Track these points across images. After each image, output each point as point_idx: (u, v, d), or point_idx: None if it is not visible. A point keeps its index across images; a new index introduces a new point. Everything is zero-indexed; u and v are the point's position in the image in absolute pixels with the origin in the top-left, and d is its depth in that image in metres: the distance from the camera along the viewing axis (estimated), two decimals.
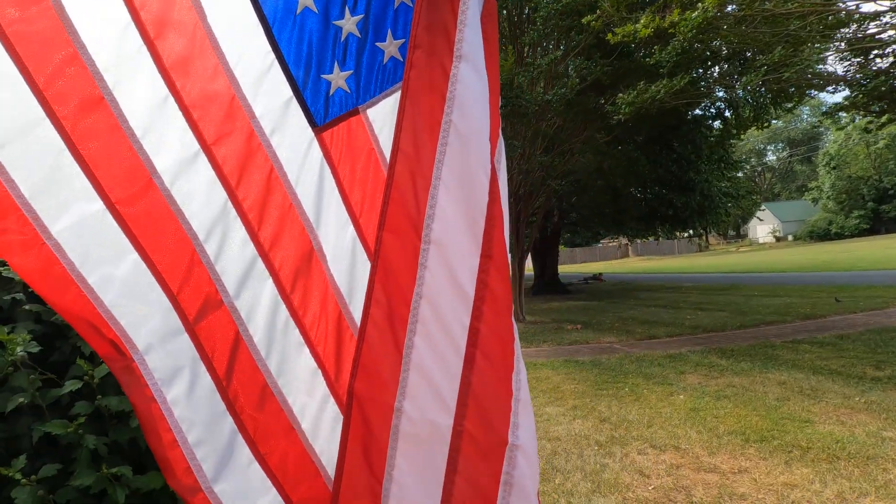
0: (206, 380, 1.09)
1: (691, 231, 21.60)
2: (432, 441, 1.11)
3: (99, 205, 1.01)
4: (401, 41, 1.27)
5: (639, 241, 38.29)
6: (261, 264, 1.17)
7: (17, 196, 0.93)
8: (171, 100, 1.08)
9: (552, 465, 4.45)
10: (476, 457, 1.12)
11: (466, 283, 1.12)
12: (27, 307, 1.74)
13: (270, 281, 1.18)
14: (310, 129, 1.23)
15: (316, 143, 1.23)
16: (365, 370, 1.08)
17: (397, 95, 1.20)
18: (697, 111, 15.48)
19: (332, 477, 1.17)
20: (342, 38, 1.22)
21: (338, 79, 1.24)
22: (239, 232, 1.15)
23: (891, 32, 8.44)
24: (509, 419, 1.14)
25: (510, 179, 12.31)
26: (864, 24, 8.56)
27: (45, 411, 1.62)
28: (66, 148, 0.98)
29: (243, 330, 1.15)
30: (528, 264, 21.18)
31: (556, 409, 6.10)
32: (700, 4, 7.18)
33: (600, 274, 28.32)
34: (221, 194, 1.13)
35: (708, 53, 10.56)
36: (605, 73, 10.73)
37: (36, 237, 0.95)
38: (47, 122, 0.96)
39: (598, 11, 8.83)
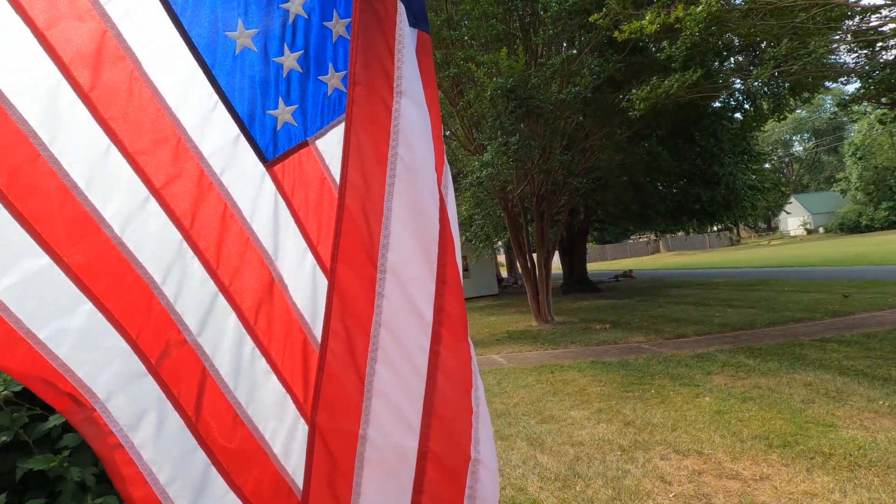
0: (174, 418, 1.10)
1: (720, 225, 21.14)
2: (398, 465, 1.15)
3: (45, 259, 1.01)
4: (342, 73, 1.31)
5: (668, 236, 37.52)
6: (222, 300, 1.20)
7: None
8: (114, 148, 1.10)
9: (574, 470, 4.48)
10: (441, 475, 1.16)
11: (424, 309, 1.17)
12: None
13: (233, 315, 1.21)
14: (261, 164, 1.25)
15: (268, 178, 1.26)
16: (326, 401, 1.12)
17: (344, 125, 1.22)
18: (717, 104, 15.15)
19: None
20: (284, 74, 1.25)
21: (284, 113, 1.26)
22: (197, 271, 1.17)
23: (892, 25, 8.21)
24: (471, 435, 1.19)
25: (531, 179, 12.30)
26: (865, 16, 8.35)
27: (33, 447, 1.65)
28: (2, 207, 0.99)
29: (209, 365, 1.17)
30: (556, 263, 21.14)
31: (580, 412, 6.09)
32: None
33: (630, 271, 27.90)
34: (176, 235, 1.15)
35: (721, 45, 10.36)
36: (619, 70, 10.61)
37: None
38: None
39: (604, 9, 8.79)
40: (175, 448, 1.09)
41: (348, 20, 1.28)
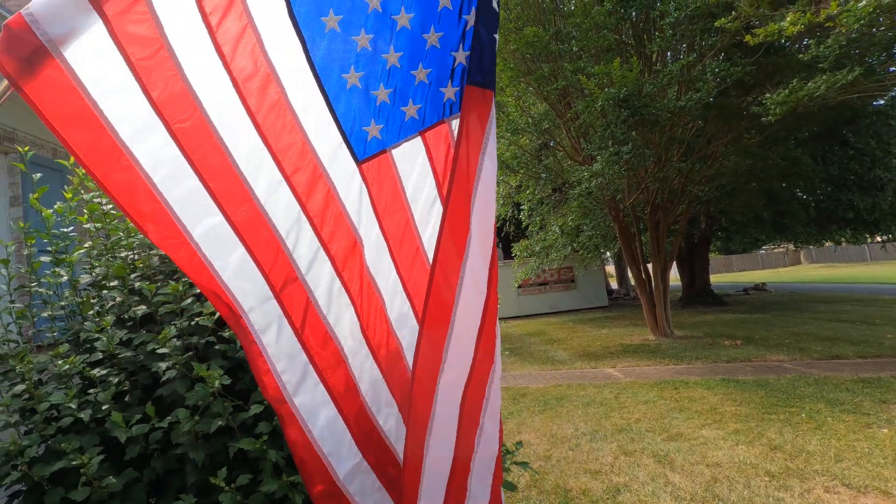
0: (287, 330, 1.60)
1: (887, 235, 18.53)
2: (452, 399, 1.65)
3: (220, 218, 1.52)
4: (418, 106, 1.77)
5: (812, 246, 33.55)
6: (322, 253, 1.71)
7: (174, 216, 1.46)
8: (265, 147, 1.61)
9: (712, 492, 4.22)
10: (474, 402, 1.68)
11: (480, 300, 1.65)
12: (217, 347, 2.17)
13: (328, 264, 1.71)
14: (353, 162, 1.76)
15: (357, 172, 1.77)
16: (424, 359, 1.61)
17: (414, 141, 1.78)
18: (880, 102, 13.49)
19: (365, 394, 1.73)
20: (377, 104, 1.74)
21: (373, 130, 1.76)
22: (308, 232, 1.68)
23: None
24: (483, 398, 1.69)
25: (644, 188, 11.81)
26: None
27: (237, 431, 2.02)
28: (199, 182, 1.50)
29: (311, 296, 1.67)
30: (674, 274, 19.94)
31: (713, 431, 5.72)
32: None
33: (764, 283, 25.57)
34: (296, 207, 1.66)
35: (892, 37, 9.21)
36: (749, 74, 9.93)
37: (184, 240, 1.47)
38: (189, 169, 1.49)
39: (733, 12, 8.23)
40: (287, 349, 1.60)
41: (429, 70, 1.76)
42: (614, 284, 30.93)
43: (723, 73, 9.80)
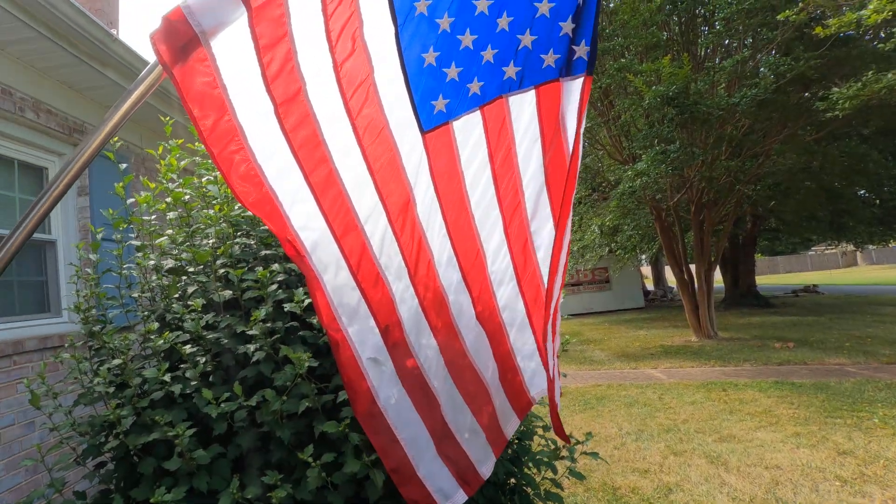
0: (344, 271, 1.79)
1: None
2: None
3: (299, 176, 1.72)
4: (482, 83, 1.92)
5: (871, 247, 31.96)
6: (380, 206, 1.87)
7: (262, 175, 1.66)
8: (347, 119, 1.79)
9: (775, 495, 4.10)
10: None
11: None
12: (300, 333, 2.25)
13: (384, 216, 1.88)
14: (419, 132, 1.90)
15: (421, 141, 1.91)
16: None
17: (475, 113, 1.94)
18: None
19: (406, 328, 1.91)
20: (447, 80, 1.88)
21: (440, 104, 1.90)
22: (370, 189, 1.86)
23: None
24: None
25: (690, 187, 11.52)
26: None
27: (321, 413, 2.10)
28: (290, 153, 1.70)
29: (367, 242, 1.84)
30: (717, 275, 19.39)
31: (770, 434, 5.55)
32: None
33: (815, 285, 24.63)
34: (364, 169, 1.84)
35: None
36: (812, 67, 9.52)
37: (267, 194, 1.66)
38: (282, 139, 1.68)
39: (800, 4, 7.89)
40: (342, 286, 1.79)
41: (496, 51, 1.90)
42: (649, 286, 30.28)
43: (783, 68, 9.45)
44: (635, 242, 15.77)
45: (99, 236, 2.53)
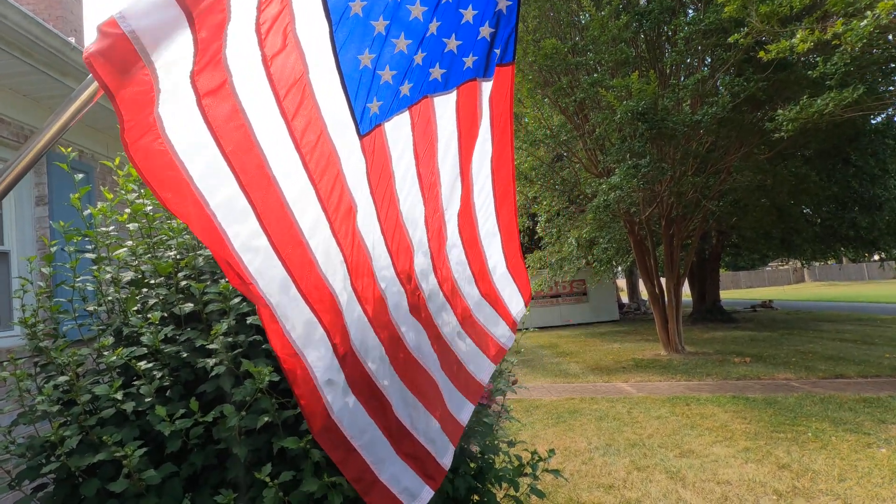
0: (293, 292, 1.65)
1: (884, 255, 18.56)
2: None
3: (236, 188, 1.53)
4: (411, 84, 1.96)
5: (816, 264, 33.27)
6: (323, 218, 1.77)
7: (192, 184, 1.45)
8: (283, 122, 1.66)
9: None
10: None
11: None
12: (263, 347, 2.21)
13: (328, 228, 1.78)
14: (356, 136, 1.87)
15: (358, 145, 1.88)
16: None
17: (404, 114, 1.98)
18: (876, 120, 13.53)
19: (354, 339, 1.83)
20: (381, 83, 1.88)
21: (374, 107, 1.89)
22: (313, 200, 1.74)
23: None
24: None
25: (660, 202, 11.83)
26: None
27: (280, 429, 2.05)
28: (220, 156, 1.50)
29: (313, 257, 1.72)
30: (685, 289, 19.85)
31: (724, 449, 5.72)
32: (869, 13, 6.46)
33: (770, 301, 25.43)
34: (304, 179, 1.72)
35: (888, 57, 9.33)
36: (761, 89, 10.00)
37: (202, 209, 1.46)
38: (210, 138, 1.49)
39: (745, 28, 8.30)
40: (295, 314, 1.66)
41: (424, 54, 1.95)
42: (624, 298, 30.77)
43: (736, 88, 9.86)
44: (611, 255, 16.03)
45: (53, 248, 2.46)
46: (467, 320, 2.39)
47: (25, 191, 4.39)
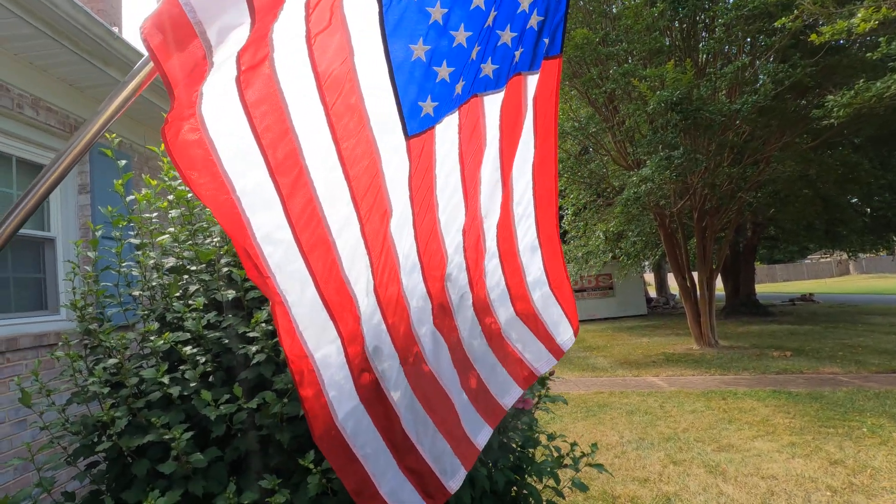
0: (311, 291, 1.56)
1: None
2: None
3: (265, 175, 1.45)
4: (464, 82, 1.79)
5: (863, 256, 31.97)
6: (354, 218, 1.65)
7: (220, 168, 1.37)
8: (322, 110, 1.54)
9: None
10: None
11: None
12: None
13: (357, 229, 1.66)
14: (402, 136, 1.70)
15: (404, 146, 1.72)
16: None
17: (454, 114, 1.81)
18: None
19: (369, 345, 1.72)
20: (437, 80, 1.70)
21: (427, 107, 1.71)
22: (345, 197, 1.61)
23: None
24: None
25: (693, 194, 11.52)
26: None
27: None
28: (254, 141, 1.43)
29: (338, 258, 1.62)
30: (718, 283, 19.36)
31: (767, 443, 5.54)
32: None
33: (811, 294, 24.64)
34: (339, 174, 1.61)
35: None
36: (808, 75, 9.59)
37: (228, 194, 1.38)
38: (245, 122, 1.41)
39: (795, 11, 7.94)
40: (311, 314, 1.56)
41: (480, 48, 1.80)
42: (652, 293, 30.23)
43: (780, 75, 9.48)
44: (639, 249, 15.73)
45: (98, 233, 2.50)
46: (495, 339, 2.20)
47: (69, 179, 4.50)
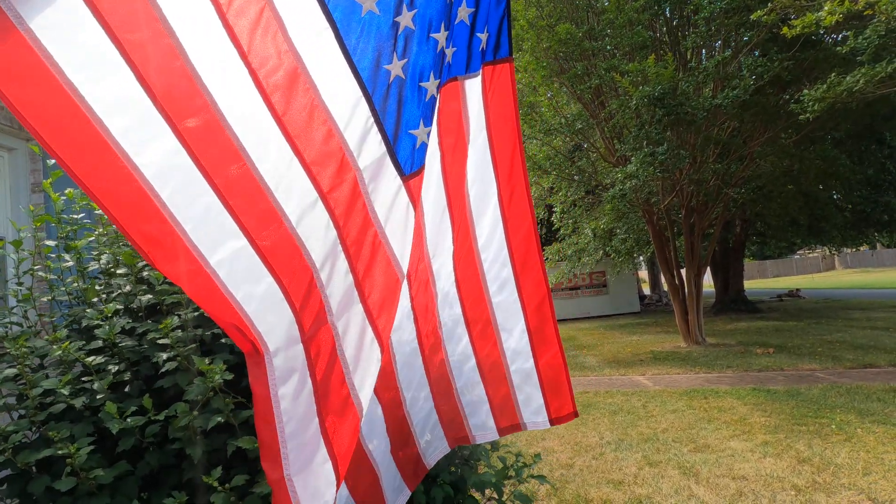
0: (308, 385, 1.33)
1: None
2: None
3: (244, 241, 1.25)
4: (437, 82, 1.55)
5: (847, 251, 32.15)
6: (355, 292, 1.42)
7: (186, 239, 1.17)
8: (296, 160, 1.34)
9: None
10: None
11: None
12: (224, 340, 2.09)
13: (360, 306, 1.43)
14: (398, 177, 1.47)
15: (403, 189, 1.48)
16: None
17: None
18: None
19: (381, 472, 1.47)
20: (427, 99, 1.46)
21: (422, 134, 1.46)
22: (343, 264, 1.41)
23: None
24: None
25: (679, 190, 11.46)
26: None
27: (238, 429, 1.91)
28: (217, 199, 1.23)
29: (339, 345, 1.39)
30: (708, 279, 19.34)
31: (742, 443, 5.49)
32: None
33: (798, 289, 24.69)
34: (333, 233, 1.39)
35: None
36: (786, 69, 9.54)
37: (200, 267, 1.19)
38: (203, 182, 1.22)
39: (769, 4, 7.89)
40: (302, 408, 1.31)
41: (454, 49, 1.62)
42: (647, 290, 30.22)
43: (760, 69, 9.42)
44: (630, 246, 15.66)
45: (24, 233, 2.38)
46: (444, 394, 1.89)
47: (20, 178, 4.36)
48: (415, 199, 1.50)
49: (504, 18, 1.70)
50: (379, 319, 1.45)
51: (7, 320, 2.16)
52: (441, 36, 1.51)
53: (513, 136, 1.72)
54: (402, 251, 1.49)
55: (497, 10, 1.69)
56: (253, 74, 1.27)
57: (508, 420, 1.99)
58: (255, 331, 1.24)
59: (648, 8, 10.32)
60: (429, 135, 1.49)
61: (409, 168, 1.48)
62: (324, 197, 1.36)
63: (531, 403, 2.00)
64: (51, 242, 2.29)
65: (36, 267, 2.23)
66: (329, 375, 1.36)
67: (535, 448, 5.96)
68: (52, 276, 2.27)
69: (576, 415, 2.05)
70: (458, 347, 1.86)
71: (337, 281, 1.38)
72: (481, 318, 1.87)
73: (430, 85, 1.47)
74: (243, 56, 1.25)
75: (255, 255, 1.27)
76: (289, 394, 1.28)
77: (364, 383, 1.43)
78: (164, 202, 1.14)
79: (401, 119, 1.45)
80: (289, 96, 1.31)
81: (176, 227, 1.15)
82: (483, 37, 1.65)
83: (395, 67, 1.42)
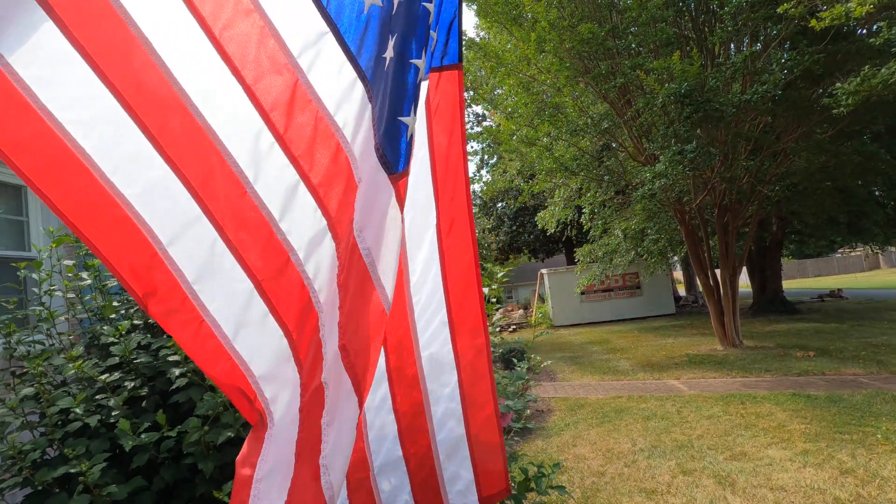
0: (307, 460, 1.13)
1: None
2: None
3: (248, 284, 1.11)
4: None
5: (892, 249, 30.70)
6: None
7: (183, 282, 1.04)
8: (302, 184, 1.19)
9: None
10: None
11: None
12: None
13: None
14: (387, 178, 1.30)
15: (392, 191, 1.31)
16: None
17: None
18: None
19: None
20: (418, 81, 1.35)
21: (410, 123, 1.31)
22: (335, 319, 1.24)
23: None
24: None
25: (710, 188, 11.17)
26: None
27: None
28: (218, 238, 1.10)
29: (330, 408, 1.17)
30: (744, 279, 18.76)
31: (780, 451, 5.26)
32: None
33: (839, 290, 23.74)
34: (336, 263, 1.22)
35: None
36: (817, 62, 9.19)
37: (196, 315, 1.05)
38: (204, 219, 1.09)
39: None
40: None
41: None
42: (682, 291, 29.51)
43: (789, 64, 9.11)
44: (662, 246, 15.32)
45: (43, 254, 2.45)
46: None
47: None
48: (399, 196, 1.35)
49: (454, 21, 1.58)
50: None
51: (31, 338, 2.21)
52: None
53: (458, 155, 1.54)
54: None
55: (449, 9, 1.56)
56: (252, 97, 1.17)
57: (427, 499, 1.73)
58: (262, 399, 1.07)
59: (672, 4, 10.11)
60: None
61: (399, 164, 1.33)
62: (332, 225, 1.22)
63: (457, 482, 1.72)
64: (69, 262, 2.34)
65: (54, 287, 2.29)
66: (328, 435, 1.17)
67: (565, 455, 5.84)
68: (71, 295, 2.32)
69: (508, 492, 1.77)
70: (380, 415, 1.62)
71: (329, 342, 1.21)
72: (408, 374, 1.63)
73: (421, 63, 1.36)
74: (236, 73, 1.17)
75: (262, 303, 1.13)
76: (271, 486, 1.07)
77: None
78: (154, 233, 1.04)
79: (392, 105, 1.36)
80: (290, 112, 1.21)
81: (171, 267, 1.05)
82: (434, 35, 1.48)
83: (388, 52, 1.32)
